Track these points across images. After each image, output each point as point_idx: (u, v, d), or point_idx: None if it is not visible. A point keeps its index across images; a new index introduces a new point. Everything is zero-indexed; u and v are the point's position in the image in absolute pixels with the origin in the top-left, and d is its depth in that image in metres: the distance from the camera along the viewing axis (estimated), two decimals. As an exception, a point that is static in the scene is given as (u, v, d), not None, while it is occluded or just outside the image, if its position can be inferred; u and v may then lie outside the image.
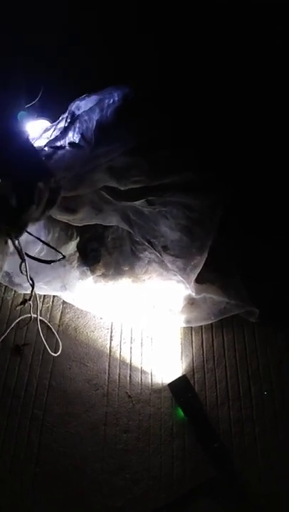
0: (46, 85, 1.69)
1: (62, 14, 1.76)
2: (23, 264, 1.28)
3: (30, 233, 1.33)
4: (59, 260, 1.36)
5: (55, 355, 1.53)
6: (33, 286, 1.38)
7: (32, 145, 1.21)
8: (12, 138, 1.18)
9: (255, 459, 1.39)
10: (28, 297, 1.47)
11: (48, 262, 1.33)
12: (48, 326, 1.59)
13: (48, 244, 1.39)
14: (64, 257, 1.39)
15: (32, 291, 1.41)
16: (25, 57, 1.65)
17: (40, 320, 1.58)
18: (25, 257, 1.28)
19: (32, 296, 1.47)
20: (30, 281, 1.36)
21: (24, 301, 1.60)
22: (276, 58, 1.68)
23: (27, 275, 1.33)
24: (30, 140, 1.30)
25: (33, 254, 1.47)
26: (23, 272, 1.30)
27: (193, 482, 1.34)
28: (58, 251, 1.37)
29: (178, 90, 1.47)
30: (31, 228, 1.50)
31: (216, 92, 1.54)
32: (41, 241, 1.36)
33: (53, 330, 1.58)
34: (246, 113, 1.57)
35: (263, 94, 1.62)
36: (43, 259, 1.33)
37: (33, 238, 1.47)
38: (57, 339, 1.56)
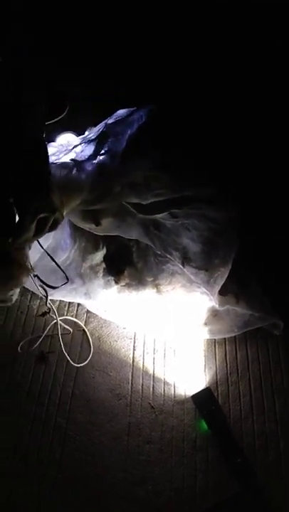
0: (73, 100, 1.75)
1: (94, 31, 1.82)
2: (35, 277, 1.29)
3: (44, 249, 1.36)
4: (62, 285, 1.37)
5: (80, 365, 1.54)
6: (46, 297, 1.39)
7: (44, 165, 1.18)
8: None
9: (280, 474, 1.36)
10: (47, 309, 1.49)
11: (54, 288, 1.35)
12: (72, 334, 1.61)
13: (58, 265, 1.39)
14: (67, 281, 1.39)
15: (46, 302, 1.42)
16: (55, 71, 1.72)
17: (64, 328, 1.60)
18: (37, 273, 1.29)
19: (50, 309, 1.48)
20: (44, 292, 1.36)
21: (44, 313, 1.62)
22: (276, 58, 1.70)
23: (37, 287, 1.34)
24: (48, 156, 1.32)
25: (59, 261, 1.50)
26: (35, 283, 1.32)
27: (216, 495, 1.32)
28: (63, 272, 1.37)
29: (198, 104, 1.51)
30: (57, 235, 1.54)
31: (228, 103, 1.58)
32: (52, 258, 1.37)
33: (78, 338, 1.60)
34: (250, 118, 1.60)
35: (264, 96, 1.64)
36: (48, 284, 1.34)
37: (62, 243, 1.51)
38: (81, 348, 1.58)
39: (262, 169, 1.63)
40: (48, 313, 1.49)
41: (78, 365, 1.54)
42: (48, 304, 1.42)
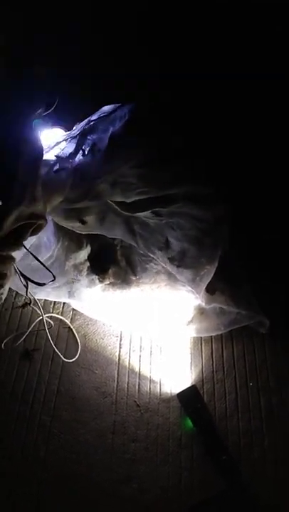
0: (62, 94, 1.73)
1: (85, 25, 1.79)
2: (21, 275, 1.27)
3: (26, 248, 1.33)
4: (50, 282, 1.35)
5: (70, 361, 1.53)
6: (27, 287, 1.36)
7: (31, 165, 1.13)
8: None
9: (265, 472, 1.37)
10: (28, 301, 1.47)
11: (41, 285, 1.33)
12: (57, 331, 1.59)
13: (42, 263, 1.37)
14: (54, 278, 1.37)
15: (26, 292, 1.39)
16: (42, 66, 1.69)
17: (50, 325, 1.58)
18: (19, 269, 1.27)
19: (31, 300, 1.46)
20: (24, 283, 1.33)
21: (25, 305, 1.60)
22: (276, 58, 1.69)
23: (19, 276, 1.32)
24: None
25: (42, 260, 1.48)
26: (21, 280, 1.30)
27: (201, 493, 1.33)
28: (49, 270, 1.35)
29: (185, 101, 1.49)
30: (40, 233, 1.52)
31: (220, 101, 1.57)
32: (36, 258, 1.34)
33: (63, 336, 1.58)
34: (247, 119, 1.59)
35: (265, 97, 1.64)
36: (36, 281, 1.32)
37: (46, 241, 1.49)
38: (66, 345, 1.56)
39: (256, 167, 1.62)
40: (29, 304, 1.47)
41: (69, 361, 1.53)
42: (28, 295, 1.39)
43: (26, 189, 0.99)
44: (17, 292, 1.65)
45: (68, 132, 1.46)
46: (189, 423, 1.44)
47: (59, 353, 1.52)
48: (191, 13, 1.79)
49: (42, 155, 1.11)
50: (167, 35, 1.79)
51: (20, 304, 1.63)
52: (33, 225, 1.05)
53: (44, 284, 1.33)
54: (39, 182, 1.04)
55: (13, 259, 1.03)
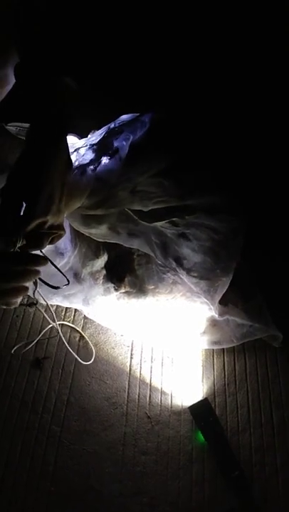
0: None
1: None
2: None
3: (42, 253, 1.31)
4: (65, 286, 1.34)
5: (87, 363, 1.53)
6: (36, 285, 1.33)
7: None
8: None
9: (276, 490, 1.35)
10: (34, 301, 1.44)
11: (55, 288, 1.31)
12: (68, 339, 1.58)
13: (57, 268, 1.35)
14: (68, 282, 1.35)
15: (34, 292, 1.37)
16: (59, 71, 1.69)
17: (61, 334, 1.56)
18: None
19: (38, 301, 1.43)
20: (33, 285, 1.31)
21: (31, 304, 1.59)
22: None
23: (35, 286, 1.30)
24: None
25: (58, 266, 1.47)
26: (36, 283, 1.28)
27: (212, 510, 1.30)
28: (64, 275, 1.33)
29: (204, 110, 1.49)
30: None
31: (239, 111, 1.56)
32: (51, 262, 1.33)
33: (74, 344, 1.57)
34: (266, 130, 1.59)
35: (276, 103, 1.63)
36: (50, 284, 1.31)
37: (62, 247, 1.48)
38: (77, 354, 1.55)
39: (275, 179, 1.62)
40: (36, 304, 1.45)
41: (87, 363, 1.53)
42: (35, 295, 1.37)
43: (53, 201, 0.97)
44: (29, 296, 1.63)
45: (86, 139, 1.45)
46: (201, 437, 1.42)
47: (75, 355, 1.50)
48: (193, 13, 1.78)
49: (71, 169, 1.10)
50: (170, 38, 1.78)
51: (25, 302, 1.61)
52: (52, 234, 1.04)
53: (58, 288, 1.31)
54: (64, 195, 1.03)
55: (38, 273, 1.01)
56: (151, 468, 1.37)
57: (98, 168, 1.27)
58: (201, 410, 1.46)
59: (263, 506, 1.31)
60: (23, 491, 1.31)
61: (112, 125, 1.39)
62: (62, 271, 1.42)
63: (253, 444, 1.42)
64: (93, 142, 1.37)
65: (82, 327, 1.62)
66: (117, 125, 1.38)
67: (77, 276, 1.52)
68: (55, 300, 1.57)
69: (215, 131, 1.46)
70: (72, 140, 1.70)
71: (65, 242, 1.51)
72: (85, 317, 1.64)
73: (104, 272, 1.55)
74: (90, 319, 1.63)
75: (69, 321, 1.62)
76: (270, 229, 1.71)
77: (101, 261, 1.54)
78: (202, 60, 1.73)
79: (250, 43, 1.69)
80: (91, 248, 1.52)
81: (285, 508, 1.31)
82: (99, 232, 1.41)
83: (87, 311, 1.62)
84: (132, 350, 1.59)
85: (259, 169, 1.64)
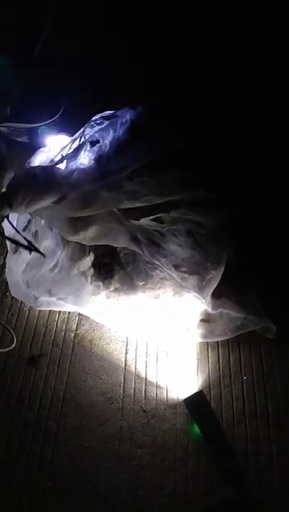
0: (68, 100, 1.73)
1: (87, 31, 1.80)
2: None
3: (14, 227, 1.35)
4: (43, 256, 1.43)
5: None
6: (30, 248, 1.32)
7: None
8: None
9: (272, 480, 1.35)
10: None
11: (43, 254, 1.42)
12: (63, 337, 1.59)
13: (25, 238, 1.35)
14: (44, 256, 1.45)
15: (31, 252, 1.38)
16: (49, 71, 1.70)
17: (56, 331, 1.58)
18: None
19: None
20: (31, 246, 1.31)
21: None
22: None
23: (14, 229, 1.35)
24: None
25: (46, 269, 1.51)
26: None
27: (208, 502, 1.31)
28: (38, 250, 1.33)
29: (187, 106, 1.49)
30: (46, 243, 1.54)
31: (223, 104, 1.56)
32: (16, 230, 1.37)
33: (69, 341, 1.58)
34: (253, 122, 1.59)
35: (272, 99, 1.63)
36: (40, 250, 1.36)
37: (50, 251, 1.50)
38: (72, 350, 1.56)
39: (261, 172, 1.61)
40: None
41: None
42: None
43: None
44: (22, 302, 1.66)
45: (70, 139, 1.46)
46: (196, 429, 1.42)
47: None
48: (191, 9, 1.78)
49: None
50: (173, 44, 1.79)
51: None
52: None
53: (44, 255, 1.38)
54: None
55: None
56: (148, 461, 1.38)
57: (76, 167, 1.28)
58: (196, 403, 1.47)
59: (258, 496, 1.32)
60: (19, 487, 1.33)
61: (92, 122, 1.39)
62: (52, 275, 1.47)
63: (249, 435, 1.42)
64: (74, 139, 1.38)
65: (77, 324, 1.63)
66: (98, 121, 1.38)
67: (65, 278, 1.53)
68: (45, 306, 1.61)
69: (202, 124, 1.46)
70: (63, 139, 1.71)
71: (53, 245, 1.52)
72: (79, 314, 1.65)
73: (92, 270, 1.55)
74: (85, 316, 1.64)
75: (64, 318, 1.63)
76: (262, 222, 1.70)
77: (88, 260, 1.54)
78: (197, 54, 1.73)
79: (250, 43, 1.69)
80: (78, 248, 1.52)
81: (280, 498, 1.32)
82: (87, 236, 1.42)
83: (80, 310, 1.62)
84: (126, 345, 1.60)
85: (257, 167, 1.64)
